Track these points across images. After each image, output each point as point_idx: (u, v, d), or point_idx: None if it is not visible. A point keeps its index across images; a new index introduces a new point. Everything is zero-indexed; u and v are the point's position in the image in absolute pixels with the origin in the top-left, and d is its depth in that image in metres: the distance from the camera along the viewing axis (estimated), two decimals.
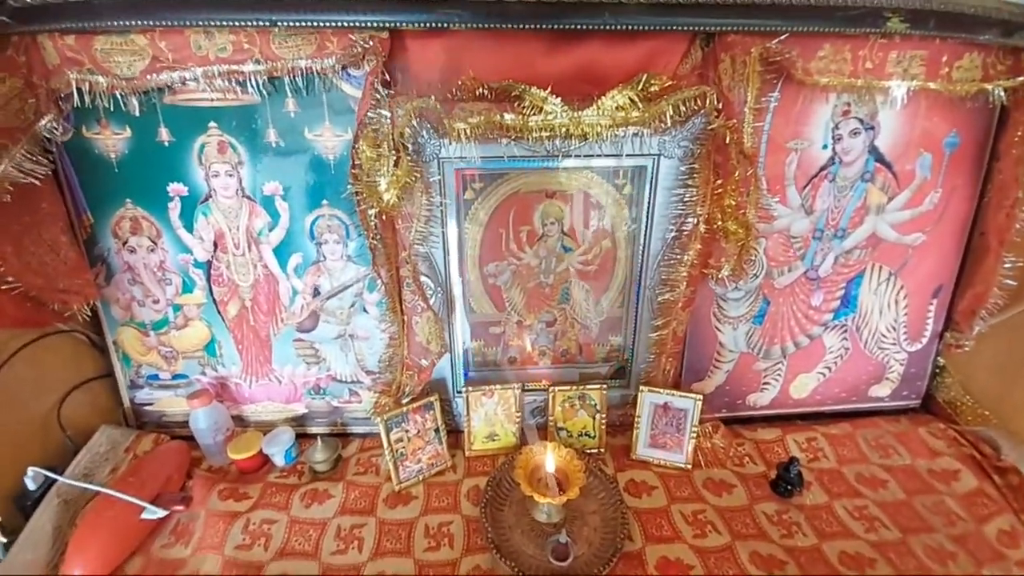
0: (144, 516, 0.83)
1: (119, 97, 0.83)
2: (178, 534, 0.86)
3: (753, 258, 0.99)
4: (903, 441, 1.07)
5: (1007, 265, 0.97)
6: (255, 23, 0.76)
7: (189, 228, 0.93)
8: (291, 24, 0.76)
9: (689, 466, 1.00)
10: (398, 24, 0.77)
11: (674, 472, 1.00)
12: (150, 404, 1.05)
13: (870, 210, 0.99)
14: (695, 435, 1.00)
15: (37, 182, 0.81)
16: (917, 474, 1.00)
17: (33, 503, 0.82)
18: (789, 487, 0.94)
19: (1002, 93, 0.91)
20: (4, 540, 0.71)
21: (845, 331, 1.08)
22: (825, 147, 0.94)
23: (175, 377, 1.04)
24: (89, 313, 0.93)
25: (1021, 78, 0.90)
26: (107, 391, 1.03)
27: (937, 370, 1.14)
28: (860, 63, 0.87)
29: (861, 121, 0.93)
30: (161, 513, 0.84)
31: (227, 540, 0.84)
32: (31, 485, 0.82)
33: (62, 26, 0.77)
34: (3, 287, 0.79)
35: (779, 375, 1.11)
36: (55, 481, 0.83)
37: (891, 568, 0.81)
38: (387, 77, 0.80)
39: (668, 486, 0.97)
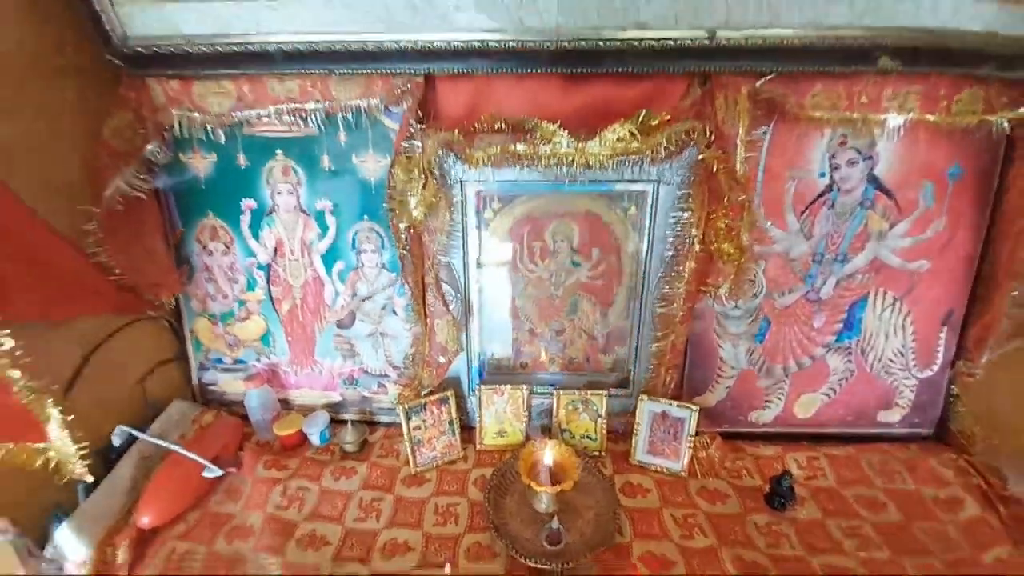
0: (205, 474, 0.99)
1: (209, 129, 1.03)
2: (229, 493, 1.01)
3: (752, 278, 1.05)
4: (909, 468, 1.07)
5: (1014, 294, 0.97)
6: (317, 71, 0.94)
7: (256, 236, 1.11)
8: (345, 72, 0.93)
9: (685, 474, 1.05)
10: (432, 71, 0.92)
11: (670, 479, 1.06)
12: (214, 384, 1.24)
13: (871, 236, 1.03)
14: (691, 445, 1.05)
15: (142, 196, 1.01)
16: (920, 500, 1.00)
17: (116, 457, 1.00)
18: (782, 500, 0.97)
19: (1006, 124, 0.94)
20: (91, 479, 0.87)
21: (850, 354, 1.11)
22: (823, 175, 1.00)
23: (236, 362, 1.22)
24: (173, 304, 1.13)
25: (1021, 110, 0.93)
26: (181, 371, 1.22)
27: (952, 398, 1.13)
28: (855, 98, 0.93)
29: (859, 151, 0.98)
30: (218, 472, 1.00)
31: (268, 501, 0.98)
32: (116, 441, 1.00)
33: (168, 73, 0.97)
34: (111, 279, 0.99)
35: (782, 393, 1.14)
36: (136, 439, 1.01)
37: None
38: (420, 113, 0.95)
39: (663, 490, 1.02)
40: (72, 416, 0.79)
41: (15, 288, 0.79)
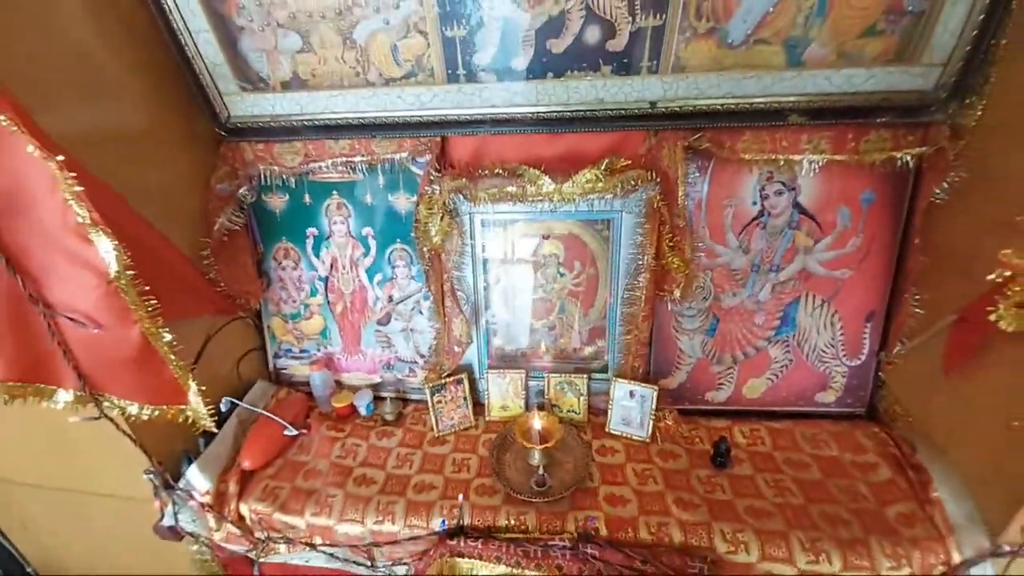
0: (286, 433, 1.35)
1: (283, 177, 1.37)
2: (302, 448, 1.37)
3: (701, 285, 1.31)
4: (836, 438, 1.30)
5: (917, 298, 1.20)
6: (362, 136, 1.27)
7: (316, 255, 1.46)
8: (383, 136, 1.26)
9: (648, 440, 1.33)
10: (446, 134, 1.24)
11: (636, 443, 1.33)
12: (285, 369, 1.60)
13: (799, 250, 1.27)
14: (654, 417, 1.33)
15: (237, 228, 1.37)
16: (839, 463, 1.24)
17: (222, 420, 1.37)
18: (722, 460, 1.24)
19: (909, 160, 1.16)
20: (216, 431, 1.23)
21: (788, 345, 1.35)
22: (755, 203, 1.24)
23: (301, 351, 1.57)
24: (257, 307, 1.49)
25: (922, 148, 1.14)
26: (260, 358, 1.59)
27: (879, 383, 1.36)
28: (778, 143, 1.17)
29: (783, 184, 1.23)
30: (295, 432, 1.35)
31: (331, 453, 1.33)
32: (223, 408, 1.37)
33: (256, 139, 1.32)
34: (218, 290, 1.36)
35: (732, 378, 1.39)
36: (236, 407, 1.38)
37: (783, 521, 1.09)
38: (438, 164, 1.26)
39: (629, 451, 1.30)
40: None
41: (164, 296, 1.15)
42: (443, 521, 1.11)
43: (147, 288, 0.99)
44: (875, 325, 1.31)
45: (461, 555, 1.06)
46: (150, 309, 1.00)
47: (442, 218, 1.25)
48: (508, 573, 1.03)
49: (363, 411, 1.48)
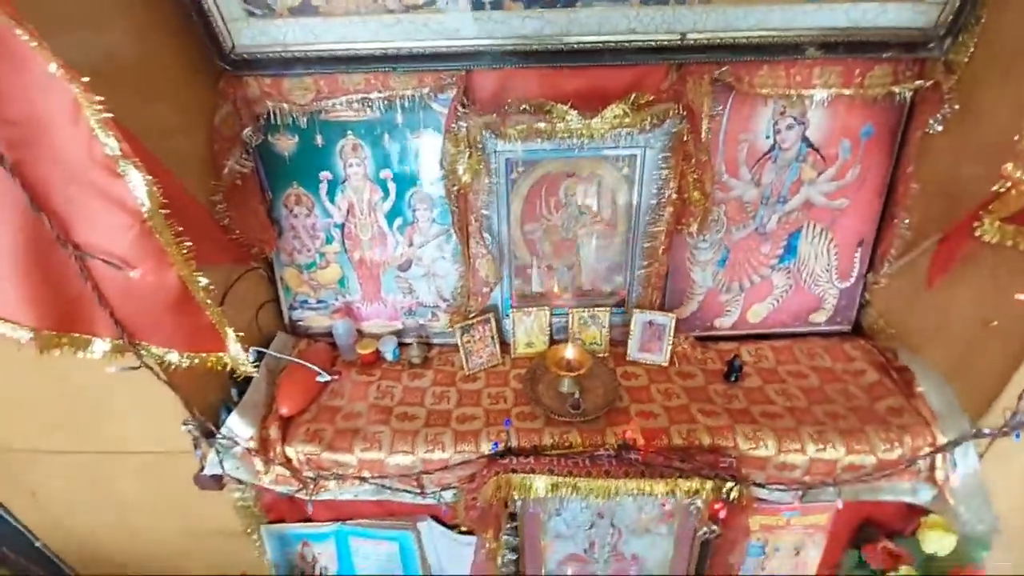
0: (318, 380, 1.35)
1: (293, 116, 1.30)
2: (334, 393, 1.38)
3: (715, 218, 1.40)
4: (829, 352, 1.47)
5: (906, 222, 1.33)
6: (380, 69, 1.21)
7: (332, 200, 1.41)
8: (404, 69, 1.21)
9: (666, 364, 1.44)
10: (471, 67, 1.20)
11: (655, 368, 1.44)
12: (301, 320, 1.57)
13: (804, 182, 1.37)
14: (671, 343, 1.43)
15: (247, 172, 1.30)
16: (833, 372, 1.41)
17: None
18: (735, 375, 1.37)
19: (908, 94, 1.26)
20: (257, 375, 1.22)
21: (789, 272, 1.48)
22: (768, 137, 1.32)
23: (318, 302, 1.55)
24: (270, 257, 1.44)
25: (919, 82, 1.24)
26: (275, 311, 1.55)
27: (864, 303, 1.52)
28: (792, 77, 1.23)
29: (794, 118, 1.30)
30: (328, 378, 1.36)
31: (368, 394, 1.36)
32: (251, 358, 1.35)
33: (263, 73, 1.24)
34: (232, 237, 1.30)
35: (738, 304, 1.52)
36: (264, 356, 1.36)
37: (793, 420, 1.24)
38: (464, 100, 1.24)
39: (650, 375, 1.41)
40: None
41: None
42: (495, 444, 1.18)
43: (180, 230, 0.95)
44: (864, 250, 1.45)
45: (514, 471, 1.14)
46: (184, 252, 0.96)
47: (470, 156, 1.24)
48: (560, 481, 1.12)
49: (389, 356, 1.50)
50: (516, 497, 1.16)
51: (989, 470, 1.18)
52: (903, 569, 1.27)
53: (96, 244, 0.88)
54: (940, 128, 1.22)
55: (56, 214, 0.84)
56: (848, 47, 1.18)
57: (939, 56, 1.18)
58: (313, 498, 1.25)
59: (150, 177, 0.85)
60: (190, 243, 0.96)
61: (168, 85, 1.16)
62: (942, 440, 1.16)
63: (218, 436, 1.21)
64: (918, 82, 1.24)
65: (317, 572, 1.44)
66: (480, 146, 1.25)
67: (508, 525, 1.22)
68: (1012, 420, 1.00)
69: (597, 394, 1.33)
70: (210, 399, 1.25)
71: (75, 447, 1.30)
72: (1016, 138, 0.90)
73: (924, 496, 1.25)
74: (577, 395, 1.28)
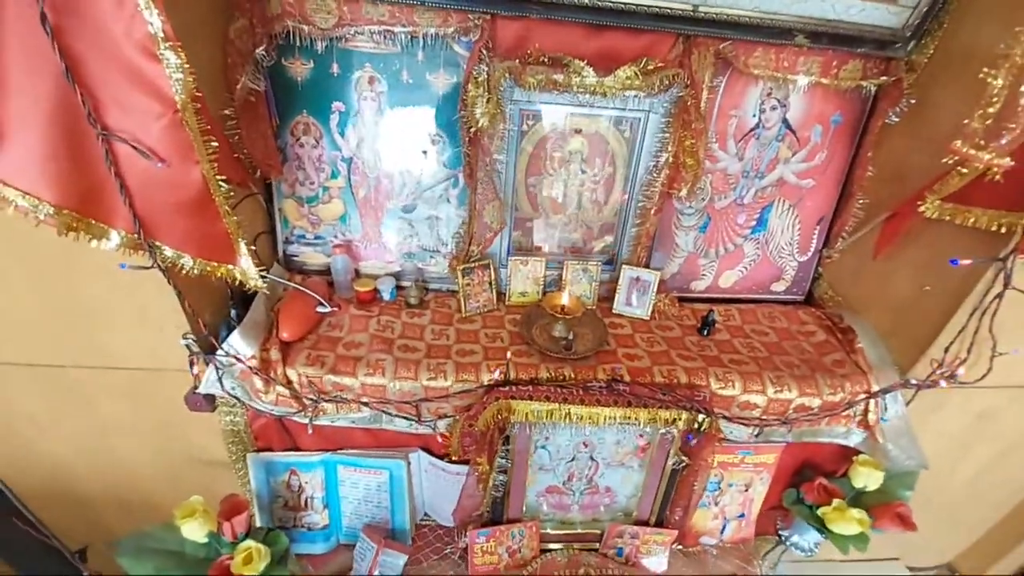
0: (318, 310, 1.36)
1: (311, 39, 1.29)
2: (333, 325, 1.40)
3: (701, 187, 1.53)
4: (786, 316, 1.66)
5: (860, 203, 1.53)
6: (406, 1, 1.23)
7: (342, 133, 1.41)
8: (430, 3, 1.23)
9: (648, 318, 1.57)
10: (497, 12, 1.25)
11: (638, 320, 1.57)
12: (296, 256, 1.56)
13: (780, 161, 1.53)
14: (654, 299, 1.56)
15: (260, 89, 1.28)
16: (789, 331, 1.59)
17: (251, 297, 1.33)
18: (708, 329, 1.52)
19: (873, 88, 1.44)
20: (268, 292, 1.21)
21: (758, 243, 1.65)
22: (754, 116, 1.46)
23: (316, 238, 1.54)
24: (276, 181, 1.42)
25: (884, 78, 1.41)
26: (269, 243, 1.53)
27: (816, 275, 1.72)
28: (780, 62, 1.38)
29: (778, 100, 1.45)
30: (328, 308, 1.37)
31: (368, 327, 1.38)
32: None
33: None
34: (239, 156, 1.28)
35: (712, 269, 1.67)
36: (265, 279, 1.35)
37: (756, 366, 1.40)
38: (489, 44, 1.28)
39: (634, 326, 1.54)
40: None
41: None
42: (498, 371, 1.25)
43: (208, 127, 0.94)
44: (823, 227, 1.64)
45: (513, 398, 1.22)
46: (210, 151, 0.96)
47: (488, 100, 1.29)
48: (556, 408, 1.22)
49: (387, 296, 1.53)
50: (513, 421, 1.24)
51: (915, 417, 1.40)
52: (835, 503, 1.48)
53: (125, 130, 0.86)
54: (896, 120, 1.42)
55: (89, 92, 0.82)
56: (832, 39, 1.33)
57: (904, 56, 1.36)
58: (313, 421, 1.27)
59: (188, 65, 0.85)
60: (216, 143, 0.96)
61: None
62: (875, 387, 1.36)
63: (219, 352, 1.20)
64: (883, 78, 1.42)
65: (302, 501, 1.46)
66: (500, 91, 1.31)
67: (502, 448, 1.30)
68: (934, 373, 1.22)
69: (588, 338, 1.44)
70: (208, 319, 1.23)
71: (58, 361, 1.24)
72: (966, 121, 1.07)
73: (856, 439, 1.46)
74: (571, 337, 1.38)
